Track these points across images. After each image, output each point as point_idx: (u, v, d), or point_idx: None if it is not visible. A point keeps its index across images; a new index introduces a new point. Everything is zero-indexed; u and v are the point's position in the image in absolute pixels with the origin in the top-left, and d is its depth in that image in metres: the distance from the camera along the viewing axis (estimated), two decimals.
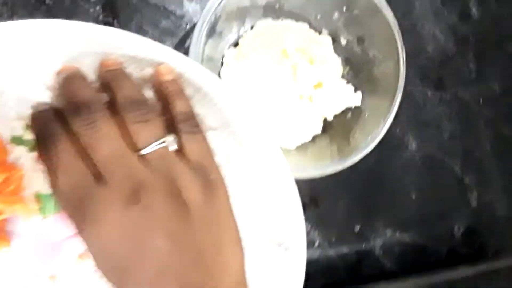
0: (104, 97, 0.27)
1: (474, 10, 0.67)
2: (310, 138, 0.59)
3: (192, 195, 0.25)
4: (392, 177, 0.66)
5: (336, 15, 0.61)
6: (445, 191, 0.67)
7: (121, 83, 0.27)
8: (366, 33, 0.61)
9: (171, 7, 0.60)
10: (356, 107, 0.59)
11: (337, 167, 0.54)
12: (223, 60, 0.60)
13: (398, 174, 0.66)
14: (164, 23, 0.60)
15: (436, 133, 0.67)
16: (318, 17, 0.61)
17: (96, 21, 0.58)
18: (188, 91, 0.30)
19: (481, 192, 0.67)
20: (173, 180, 0.25)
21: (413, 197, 0.66)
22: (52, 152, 0.24)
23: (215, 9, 0.51)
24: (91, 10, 0.58)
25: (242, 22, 0.61)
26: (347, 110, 0.59)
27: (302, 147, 0.59)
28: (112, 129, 0.25)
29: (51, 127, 0.25)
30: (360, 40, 0.62)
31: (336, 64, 0.60)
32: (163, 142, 0.26)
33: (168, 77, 0.29)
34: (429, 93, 0.66)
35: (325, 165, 0.55)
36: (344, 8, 0.59)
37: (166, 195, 0.25)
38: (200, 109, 0.31)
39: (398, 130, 0.65)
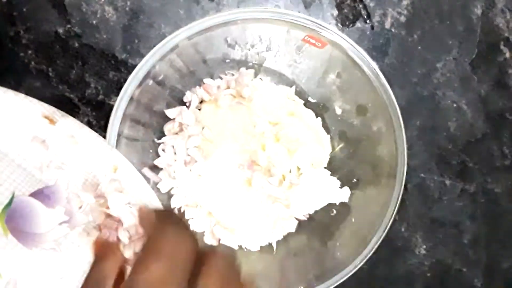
0: None
1: None
2: (281, 237, 0.45)
3: None
4: None
5: (330, 77, 0.47)
6: None
7: None
8: (368, 101, 0.46)
9: (123, 55, 0.47)
10: (343, 203, 0.45)
11: None
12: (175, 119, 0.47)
13: (399, 284, 0.51)
14: (112, 74, 0.47)
15: (454, 235, 0.51)
16: (304, 79, 0.47)
17: (27, 68, 0.47)
18: None
19: None
20: None
21: None
22: None
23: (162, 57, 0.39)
24: (21, 54, 0.46)
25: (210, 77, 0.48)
26: (331, 205, 0.45)
27: (269, 249, 0.45)
28: None
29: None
30: (361, 110, 0.47)
31: (322, 146, 0.45)
32: None
33: None
34: (448, 183, 0.51)
35: (295, 282, 0.41)
36: (336, 73, 0.45)
37: None
38: None
39: (403, 229, 0.51)
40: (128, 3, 0.46)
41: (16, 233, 0.30)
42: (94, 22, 0.46)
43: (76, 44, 0.46)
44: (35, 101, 0.30)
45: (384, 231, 0.40)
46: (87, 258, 0.31)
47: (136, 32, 0.47)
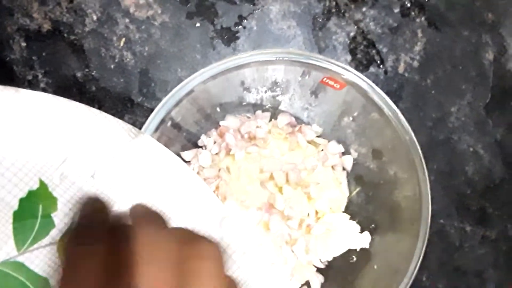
0: None
1: None
2: (298, 286, 0.43)
3: None
4: None
5: (345, 120, 0.47)
6: None
7: None
8: (384, 145, 0.46)
9: (139, 99, 0.48)
10: (363, 249, 0.43)
11: None
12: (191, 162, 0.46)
13: None
14: (128, 117, 0.47)
15: (477, 284, 0.49)
16: (319, 123, 0.47)
17: None
18: None
19: None
20: None
21: None
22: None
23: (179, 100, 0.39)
24: None
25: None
26: (351, 251, 0.43)
27: None
28: None
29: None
30: (377, 154, 0.47)
31: (340, 190, 0.45)
32: None
33: None
34: (468, 229, 0.50)
35: None
36: (351, 116, 0.45)
37: None
38: None
39: (424, 278, 0.49)
40: (146, 48, 0.47)
41: None
42: (112, 66, 0.47)
43: (94, 88, 0.47)
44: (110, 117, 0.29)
45: (408, 282, 0.38)
46: None
47: (153, 76, 0.47)
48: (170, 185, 0.30)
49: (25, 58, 0.46)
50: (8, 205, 0.27)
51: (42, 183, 0.27)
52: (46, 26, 0.47)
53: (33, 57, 0.46)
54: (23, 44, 0.46)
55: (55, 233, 0.28)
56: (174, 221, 0.30)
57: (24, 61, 0.46)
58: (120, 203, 0.29)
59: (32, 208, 0.27)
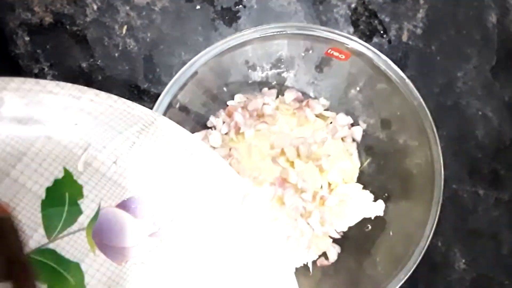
0: None
1: None
2: (316, 257, 0.44)
3: None
4: None
5: (352, 92, 0.47)
6: None
7: None
8: (392, 114, 0.46)
9: (145, 85, 0.48)
10: (378, 217, 0.44)
11: None
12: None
13: None
14: None
15: (493, 246, 0.49)
16: (326, 97, 0.47)
17: None
18: None
19: None
20: None
21: None
22: None
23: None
24: None
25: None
26: (366, 220, 0.44)
27: (305, 271, 0.44)
28: None
29: None
30: (385, 123, 0.47)
31: (351, 160, 0.45)
32: None
33: None
34: (481, 193, 0.50)
35: None
36: (358, 87, 0.45)
37: None
38: None
39: (439, 243, 0.49)
40: (149, 34, 0.47)
41: (104, 248, 0.29)
42: (116, 54, 0.47)
43: (100, 77, 0.47)
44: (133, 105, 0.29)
45: (424, 246, 0.39)
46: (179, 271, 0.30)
47: (157, 61, 0.48)
48: (191, 166, 0.31)
49: (29, 52, 0.47)
50: (36, 195, 0.27)
51: (66, 172, 0.28)
52: (48, 19, 0.47)
53: (38, 51, 0.47)
54: (27, 38, 0.47)
55: (83, 219, 0.29)
56: (197, 202, 0.31)
57: (29, 55, 0.47)
58: (142, 188, 0.30)
59: (59, 197, 0.28)
